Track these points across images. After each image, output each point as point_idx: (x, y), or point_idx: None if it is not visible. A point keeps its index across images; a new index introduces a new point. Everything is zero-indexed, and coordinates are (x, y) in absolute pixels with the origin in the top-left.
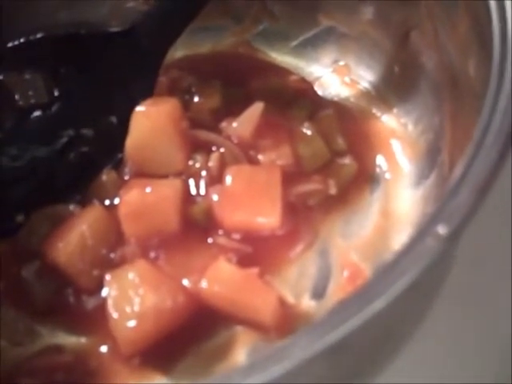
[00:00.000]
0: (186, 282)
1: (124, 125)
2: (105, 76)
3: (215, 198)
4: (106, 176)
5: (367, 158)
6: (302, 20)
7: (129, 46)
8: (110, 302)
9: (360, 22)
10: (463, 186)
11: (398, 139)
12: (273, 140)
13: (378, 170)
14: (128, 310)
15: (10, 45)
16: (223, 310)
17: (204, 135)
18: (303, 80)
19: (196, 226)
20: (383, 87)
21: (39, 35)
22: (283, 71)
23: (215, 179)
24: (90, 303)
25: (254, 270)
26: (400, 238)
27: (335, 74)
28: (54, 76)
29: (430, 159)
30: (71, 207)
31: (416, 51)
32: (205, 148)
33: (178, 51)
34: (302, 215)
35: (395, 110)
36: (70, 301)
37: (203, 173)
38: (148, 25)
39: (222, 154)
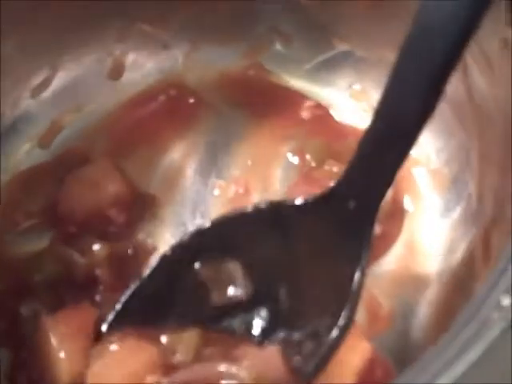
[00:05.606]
0: None
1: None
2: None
3: None
4: None
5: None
6: (316, 43)
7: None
8: None
9: (378, 46)
10: None
11: (421, 168)
12: None
13: None
14: None
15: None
16: None
17: None
18: (319, 105)
19: None
20: None
21: None
22: (297, 96)
23: None
24: None
25: None
26: (425, 272)
27: (352, 99)
28: (251, 263)
29: (456, 191)
30: None
31: None
32: None
33: (188, 73)
34: None
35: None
36: None
37: None
38: (350, 182)
39: None
